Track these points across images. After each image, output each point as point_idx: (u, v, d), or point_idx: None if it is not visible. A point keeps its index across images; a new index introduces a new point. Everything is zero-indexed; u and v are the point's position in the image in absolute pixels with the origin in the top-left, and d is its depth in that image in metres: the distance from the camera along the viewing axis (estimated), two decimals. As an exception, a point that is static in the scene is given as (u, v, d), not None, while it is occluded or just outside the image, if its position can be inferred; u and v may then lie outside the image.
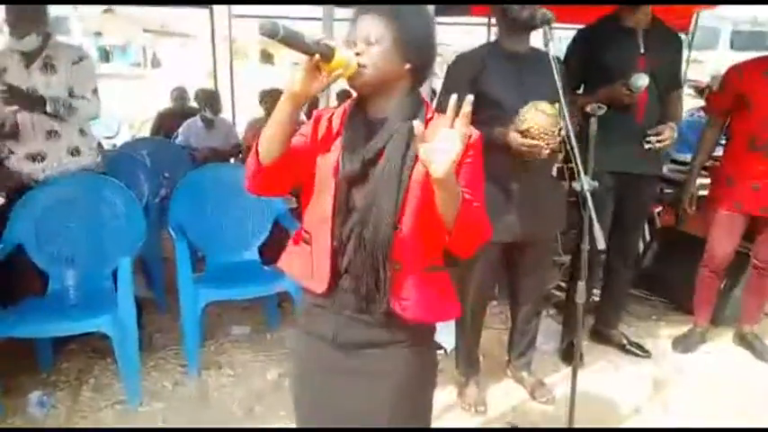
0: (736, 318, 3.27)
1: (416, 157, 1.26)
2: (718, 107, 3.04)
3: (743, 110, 2.86)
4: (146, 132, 6.51)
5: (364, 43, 1.33)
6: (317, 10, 5.17)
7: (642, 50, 2.74)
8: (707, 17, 6.90)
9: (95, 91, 2.83)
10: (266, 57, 20.26)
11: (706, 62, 11.44)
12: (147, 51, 19.51)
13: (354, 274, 1.36)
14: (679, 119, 2.98)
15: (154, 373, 2.85)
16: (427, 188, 1.27)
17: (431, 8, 1.52)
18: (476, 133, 1.35)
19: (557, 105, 2.17)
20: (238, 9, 5.46)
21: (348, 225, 1.37)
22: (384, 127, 1.35)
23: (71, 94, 2.77)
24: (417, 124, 1.18)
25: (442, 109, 1.31)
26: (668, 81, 2.84)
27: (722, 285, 3.32)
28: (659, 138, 2.70)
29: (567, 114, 2.01)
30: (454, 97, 1.19)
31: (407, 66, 1.36)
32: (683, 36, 7.12)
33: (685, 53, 7.64)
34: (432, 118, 1.39)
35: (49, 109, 2.66)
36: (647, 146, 2.71)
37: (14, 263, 2.71)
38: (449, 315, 1.49)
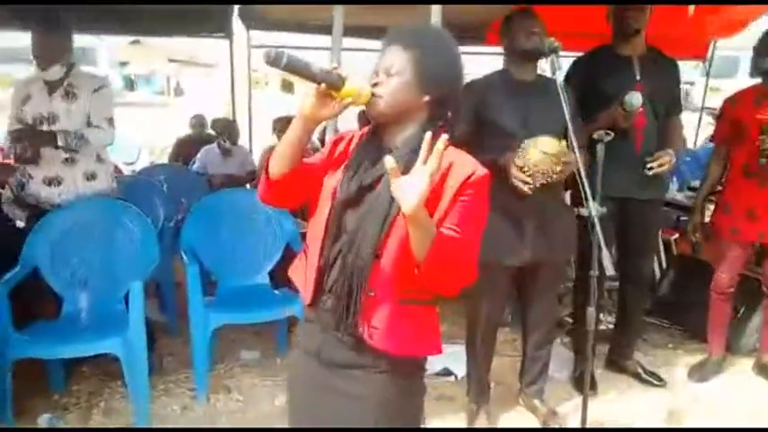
0: (755, 347, 3.19)
1: None
2: (719, 136, 3.09)
3: (739, 138, 2.88)
4: (165, 159, 6.63)
5: (385, 74, 1.36)
6: (351, 42, 5.29)
7: (638, 77, 2.76)
8: (725, 47, 6.88)
9: (111, 120, 2.91)
10: (286, 86, 20.58)
11: (725, 90, 11.37)
12: (170, 80, 19.97)
13: (335, 294, 1.39)
14: (679, 144, 3.01)
15: (164, 397, 2.86)
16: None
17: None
18: (479, 172, 1.35)
19: (562, 142, 2.18)
20: (257, 39, 5.57)
21: (337, 246, 1.39)
22: (394, 152, 1.35)
23: (88, 122, 2.84)
24: (388, 159, 1.20)
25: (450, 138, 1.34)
26: (666, 107, 2.85)
27: (739, 314, 3.27)
28: (659, 162, 2.70)
29: (575, 143, 2.01)
30: (428, 134, 1.21)
31: (426, 98, 1.38)
32: (700, 64, 7.15)
33: (703, 81, 7.66)
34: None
35: (60, 143, 2.73)
36: (647, 172, 2.71)
37: (30, 286, 2.76)
38: (422, 351, 1.46)
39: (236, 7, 4.91)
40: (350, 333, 1.37)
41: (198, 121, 6.05)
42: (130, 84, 18.01)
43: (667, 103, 2.85)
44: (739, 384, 3.08)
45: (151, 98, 17.60)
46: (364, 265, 1.34)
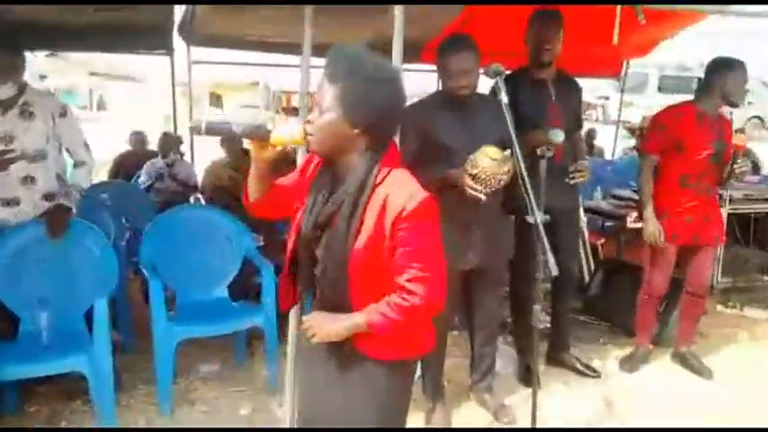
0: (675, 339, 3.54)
1: (361, 223, 1.44)
2: (655, 147, 3.24)
3: (675, 151, 3.14)
4: (102, 176, 6.49)
5: (318, 111, 1.45)
6: (291, 59, 5.39)
7: (553, 98, 3.07)
8: (636, 64, 7.47)
9: (87, 146, 2.99)
10: (215, 99, 20.31)
11: (637, 105, 12.22)
12: (93, 94, 19.27)
13: (321, 306, 1.58)
14: (584, 155, 3.32)
15: (126, 414, 2.87)
16: (372, 251, 1.44)
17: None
18: (411, 204, 1.41)
19: (506, 151, 2.39)
20: (197, 55, 5.60)
21: (310, 274, 1.58)
22: (340, 190, 1.48)
23: (47, 141, 2.85)
24: (305, 319, 1.51)
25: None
26: (573, 123, 3.18)
27: (662, 309, 3.62)
28: (580, 174, 3.03)
29: (519, 156, 2.24)
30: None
31: (356, 131, 1.43)
32: (615, 81, 7.71)
33: (618, 96, 8.26)
34: (381, 182, 1.45)
35: (73, 208, 2.86)
36: (571, 181, 3.02)
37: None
38: (408, 353, 1.61)
39: (176, 23, 4.93)
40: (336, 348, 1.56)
41: (138, 138, 5.99)
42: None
43: (574, 120, 3.19)
44: (662, 372, 3.42)
45: (74, 113, 16.91)
46: (337, 298, 1.50)
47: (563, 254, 3.22)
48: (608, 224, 4.70)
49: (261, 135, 1.46)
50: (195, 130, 1.44)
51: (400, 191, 1.43)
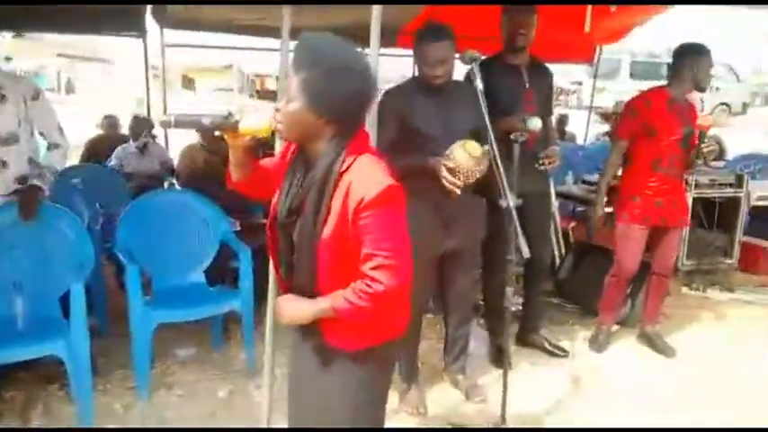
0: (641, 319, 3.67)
1: (328, 211, 1.47)
2: (626, 133, 3.33)
3: (647, 136, 3.24)
4: (73, 159, 6.39)
5: (285, 100, 1.47)
6: (260, 42, 5.36)
7: (527, 85, 3.13)
8: (609, 50, 7.58)
9: (61, 129, 2.96)
10: (188, 83, 20.04)
11: (609, 90, 12.40)
12: (61, 76, 18.84)
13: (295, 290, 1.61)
14: (555, 141, 3.40)
15: (103, 398, 2.88)
16: (338, 238, 1.47)
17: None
18: (371, 194, 1.41)
19: (484, 147, 2.43)
20: (170, 38, 5.53)
21: (286, 261, 1.62)
22: (309, 175, 1.51)
23: (19, 125, 2.82)
24: (275, 301, 1.58)
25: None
26: (545, 109, 3.25)
27: (628, 291, 3.74)
28: (550, 160, 3.09)
29: (493, 141, 2.29)
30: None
31: (323, 119, 1.45)
32: (588, 67, 7.82)
33: (590, 82, 8.38)
34: (346, 170, 1.46)
35: (46, 188, 2.83)
36: (540, 167, 3.09)
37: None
38: (377, 340, 1.61)
39: (149, 6, 4.87)
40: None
41: (110, 122, 5.91)
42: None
43: (546, 106, 3.27)
44: (628, 351, 3.55)
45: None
46: (308, 284, 1.55)
47: (534, 238, 3.29)
48: (579, 209, 4.80)
49: (230, 126, 1.50)
50: (165, 125, 1.48)
51: (363, 178, 1.45)
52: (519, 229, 2.20)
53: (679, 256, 4.54)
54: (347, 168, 1.47)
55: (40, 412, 2.76)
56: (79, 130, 7.27)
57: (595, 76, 7.38)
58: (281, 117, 1.48)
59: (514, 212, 2.22)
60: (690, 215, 4.41)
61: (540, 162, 3.09)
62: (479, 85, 2.32)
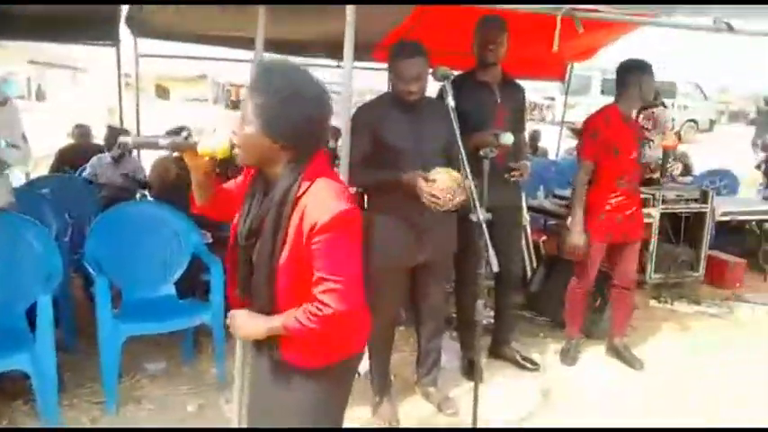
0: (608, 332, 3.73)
1: (286, 234, 1.48)
2: (590, 154, 3.34)
3: (610, 154, 3.30)
4: (43, 170, 6.29)
5: (242, 123, 1.48)
6: (238, 53, 5.36)
7: (498, 101, 3.18)
8: (581, 67, 7.76)
9: (24, 137, 2.91)
10: (162, 91, 19.87)
11: (580, 106, 12.64)
12: (31, 83, 18.52)
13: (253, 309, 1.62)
14: (526, 156, 3.46)
15: (69, 413, 2.82)
16: (294, 262, 1.49)
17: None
18: (324, 219, 1.43)
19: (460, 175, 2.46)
20: (143, 48, 5.49)
21: (245, 281, 1.62)
22: (266, 200, 1.53)
23: (6, 141, 2.79)
24: (230, 315, 1.61)
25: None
26: (517, 125, 3.29)
27: (596, 304, 3.80)
28: (519, 173, 3.15)
29: (464, 155, 2.33)
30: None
31: (278, 144, 1.46)
32: (560, 84, 7.98)
33: (562, 98, 8.53)
34: (303, 194, 1.48)
35: None
36: (511, 179, 3.15)
37: None
38: (336, 357, 1.63)
39: (124, 15, 4.84)
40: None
41: (82, 131, 5.83)
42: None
43: (517, 122, 3.30)
44: (597, 364, 3.60)
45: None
46: (266, 305, 1.56)
47: (505, 251, 3.33)
48: (550, 222, 4.87)
49: (188, 147, 1.51)
50: (123, 146, 1.48)
51: (317, 203, 1.47)
52: (489, 243, 2.23)
53: (647, 270, 4.64)
54: (304, 192, 1.48)
55: (4, 426, 2.69)
56: (49, 139, 7.18)
57: (567, 93, 7.53)
58: (239, 140, 1.49)
59: (485, 226, 2.25)
60: (657, 230, 4.56)
61: (510, 174, 3.14)
62: (451, 102, 2.36)
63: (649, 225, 4.50)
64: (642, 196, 4.45)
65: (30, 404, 2.75)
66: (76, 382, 3.09)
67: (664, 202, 4.58)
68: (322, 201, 1.47)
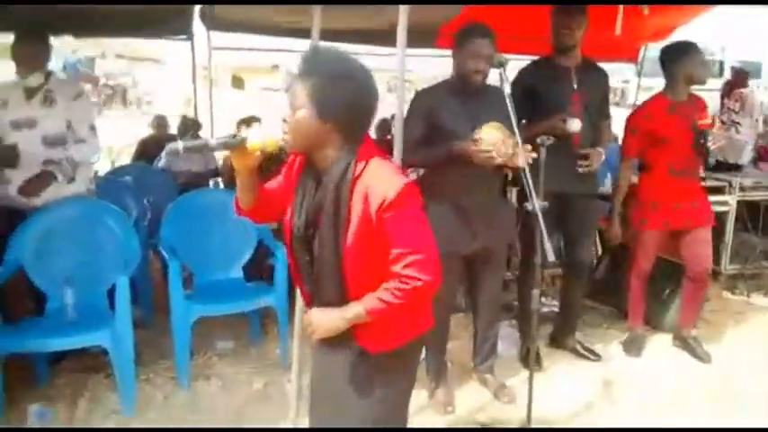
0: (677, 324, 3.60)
1: (348, 220, 1.49)
2: (633, 152, 3.33)
3: (658, 145, 3.21)
4: (126, 159, 6.69)
5: (292, 110, 1.51)
6: (300, 43, 5.50)
7: (575, 86, 3.11)
8: (655, 49, 7.42)
9: (93, 128, 3.09)
10: (237, 82, 20.48)
11: (656, 88, 12.09)
12: (118, 76, 19.51)
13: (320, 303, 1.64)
14: (607, 144, 3.36)
15: (146, 387, 3.03)
16: (363, 245, 1.51)
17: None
18: (391, 194, 1.45)
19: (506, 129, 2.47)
20: (216, 41, 5.71)
21: (309, 276, 1.64)
22: (322, 185, 1.54)
23: (68, 127, 3.00)
24: (304, 317, 1.59)
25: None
26: (598, 112, 3.21)
27: (664, 295, 3.69)
28: (588, 162, 3.07)
29: (520, 141, 2.32)
30: None
31: (328, 125, 1.49)
32: (633, 66, 7.69)
33: (636, 80, 8.19)
34: (360, 174, 1.50)
35: (60, 178, 2.94)
36: (580, 169, 3.07)
37: (13, 284, 2.90)
38: (404, 339, 1.67)
39: (197, 9, 5.05)
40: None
41: (160, 122, 6.16)
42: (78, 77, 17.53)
43: (598, 109, 3.22)
44: (662, 356, 3.49)
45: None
46: (336, 293, 1.58)
47: (575, 240, 3.31)
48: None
49: (237, 144, 1.53)
50: (174, 153, 1.51)
51: (380, 181, 1.48)
52: (544, 232, 2.22)
53: (722, 260, 4.45)
54: (360, 173, 1.51)
55: (87, 399, 2.92)
56: (134, 129, 7.61)
57: (640, 75, 7.22)
58: (289, 128, 1.51)
59: (540, 216, 2.23)
60: (734, 218, 4.35)
61: (579, 163, 3.08)
62: (507, 89, 2.35)
63: (725, 213, 4.31)
64: (718, 183, 4.28)
65: (110, 377, 2.97)
66: (153, 358, 3.30)
67: (741, 189, 4.37)
68: (385, 178, 1.49)
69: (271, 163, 1.65)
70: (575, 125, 2.91)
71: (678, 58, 3.16)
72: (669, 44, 3.25)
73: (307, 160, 1.61)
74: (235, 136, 1.55)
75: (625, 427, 2.78)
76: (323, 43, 1.54)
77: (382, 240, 1.50)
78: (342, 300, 1.57)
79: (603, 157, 3.14)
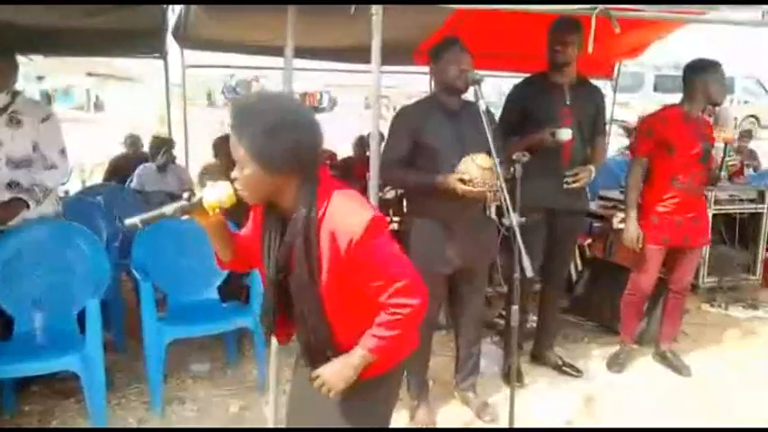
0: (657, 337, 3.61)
1: (320, 257, 1.46)
2: (645, 151, 3.29)
3: (665, 153, 3.21)
4: (97, 177, 6.56)
5: (239, 167, 1.47)
6: (274, 61, 5.48)
7: (568, 102, 3.11)
8: (632, 63, 7.56)
9: (63, 151, 3.01)
10: (211, 99, 20.45)
11: (632, 103, 12.30)
12: (90, 94, 19.35)
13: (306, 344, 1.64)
14: (600, 162, 3.33)
15: (119, 411, 2.94)
16: (339, 283, 1.49)
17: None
18: (358, 230, 1.43)
19: (493, 158, 2.45)
20: (190, 59, 5.67)
21: (292, 314, 1.62)
22: (288, 229, 1.50)
23: (35, 149, 2.92)
24: (314, 376, 1.57)
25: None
26: (591, 129, 3.21)
27: (644, 308, 3.69)
28: (575, 178, 3.06)
29: (496, 160, 2.31)
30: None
31: (278, 176, 1.44)
32: (607, 82, 7.81)
33: (611, 95, 8.34)
34: (323, 215, 1.47)
35: (31, 204, 2.85)
36: (565, 185, 3.07)
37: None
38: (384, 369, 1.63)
39: (170, 28, 5.00)
40: None
41: (132, 140, 6.06)
42: (48, 99, 17.27)
43: (592, 125, 3.21)
44: (643, 371, 3.48)
45: (70, 113, 16.96)
46: (321, 332, 1.55)
47: (558, 254, 3.30)
48: (596, 225, 4.75)
49: (195, 206, 1.51)
50: (133, 227, 1.48)
51: (344, 219, 1.46)
52: (522, 248, 2.20)
53: (700, 273, 4.49)
54: (323, 213, 1.47)
55: (56, 425, 2.82)
56: (106, 148, 7.48)
57: (615, 91, 7.33)
58: (240, 185, 1.48)
59: (518, 230, 2.21)
60: (710, 231, 4.39)
61: (566, 180, 3.08)
62: (482, 105, 2.35)
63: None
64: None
65: (80, 403, 2.86)
66: (125, 382, 3.21)
67: (717, 202, 4.43)
68: (348, 215, 1.47)
69: (240, 208, 1.61)
70: (564, 134, 2.91)
71: (701, 75, 3.17)
72: (696, 60, 3.23)
73: (268, 204, 1.56)
74: (189, 199, 1.51)
75: (611, 428, 2.77)
76: (257, 91, 1.57)
77: (358, 275, 1.48)
78: (329, 338, 1.56)
79: (594, 174, 3.13)
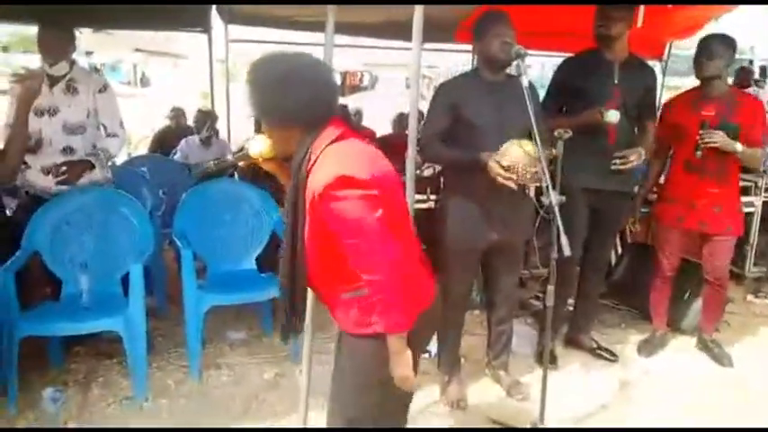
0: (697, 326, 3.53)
1: (305, 216, 1.55)
2: (661, 135, 3.25)
3: (679, 138, 3.16)
4: (142, 149, 6.72)
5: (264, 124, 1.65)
6: (317, 37, 5.49)
7: (616, 81, 3.02)
8: (684, 46, 7.29)
9: (122, 123, 3.17)
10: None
11: (685, 87, 11.89)
12: (137, 70, 19.76)
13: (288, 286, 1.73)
14: (648, 145, 3.19)
15: (158, 373, 3.04)
16: (315, 235, 1.55)
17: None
18: (318, 190, 1.48)
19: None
20: (234, 33, 5.71)
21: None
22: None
23: (88, 116, 3.04)
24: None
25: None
26: (640, 110, 3.10)
27: (686, 297, 3.61)
28: (624, 160, 2.97)
29: (538, 139, 2.26)
30: None
31: (292, 128, 1.58)
32: (657, 63, 7.56)
33: (660, 78, 8.07)
34: (313, 166, 1.53)
35: (97, 166, 3.04)
36: (613, 166, 2.99)
37: (29, 269, 2.92)
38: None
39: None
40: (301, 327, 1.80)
41: (176, 114, 6.18)
42: (96, 73, 17.81)
43: (641, 106, 3.10)
44: (683, 359, 3.41)
45: (117, 88, 17.35)
46: (303, 280, 1.65)
47: (600, 237, 3.24)
48: (642, 210, 4.65)
49: (245, 156, 1.75)
50: (204, 174, 1.70)
51: (315, 172, 1.53)
52: (561, 227, 2.16)
53: (746, 263, 4.35)
54: (313, 164, 1.54)
55: (99, 383, 2.94)
56: (151, 121, 7.66)
57: (664, 73, 7.09)
58: (269, 139, 1.67)
59: (557, 210, 2.18)
60: (759, 220, 4.25)
61: (614, 162, 3.00)
62: (525, 81, 2.30)
63: (750, 214, 4.21)
64: (743, 184, 4.16)
65: (122, 364, 2.98)
66: (166, 347, 3.32)
67: (766, 190, 4.27)
68: (319, 169, 1.52)
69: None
70: (613, 116, 2.84)
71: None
72: (705, 37, 3.14)
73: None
74: (242, 149, 1.77)
75: (640, 428, 2.73)
76: (270, 50, 1.65)
77: (327, 231, 1.53)
78: (299, 282, 1.66)
79: (643, 157, 3.02)
